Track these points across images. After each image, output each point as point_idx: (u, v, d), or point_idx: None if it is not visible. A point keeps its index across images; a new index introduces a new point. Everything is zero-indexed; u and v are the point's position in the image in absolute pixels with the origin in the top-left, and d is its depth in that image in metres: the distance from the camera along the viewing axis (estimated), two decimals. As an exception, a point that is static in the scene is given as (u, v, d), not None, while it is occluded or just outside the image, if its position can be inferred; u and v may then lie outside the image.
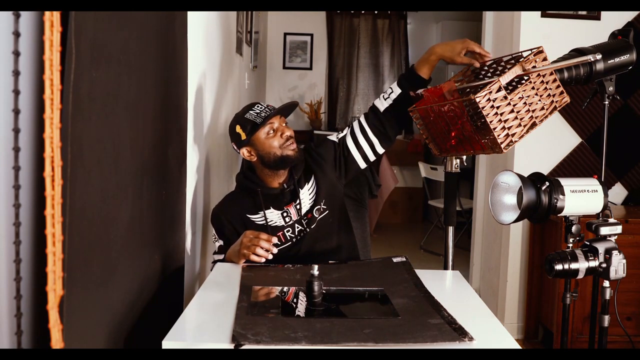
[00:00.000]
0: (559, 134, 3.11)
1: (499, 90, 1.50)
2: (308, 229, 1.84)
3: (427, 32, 6.71)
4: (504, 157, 3.21)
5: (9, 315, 0.77)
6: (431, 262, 4.65)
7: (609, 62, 1.81)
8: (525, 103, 1.56)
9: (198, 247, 2.11)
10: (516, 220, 1.53)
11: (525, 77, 1.63)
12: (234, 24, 3.10)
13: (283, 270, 1.62)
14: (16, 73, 0.74)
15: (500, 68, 1.78)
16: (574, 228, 1.60)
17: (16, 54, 0.74)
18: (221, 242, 1.87)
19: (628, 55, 1.85)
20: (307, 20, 6.39)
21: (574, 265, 1.53)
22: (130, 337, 1.26)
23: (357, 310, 1.38)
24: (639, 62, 1.89)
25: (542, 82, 1.59)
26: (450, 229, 1.85)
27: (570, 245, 1.61)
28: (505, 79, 1.55)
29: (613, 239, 1.57)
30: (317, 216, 1.85)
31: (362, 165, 1.93)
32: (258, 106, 1.84)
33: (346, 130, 1.95)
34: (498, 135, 1.53)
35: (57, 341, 0.76)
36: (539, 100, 1.59)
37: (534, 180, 1.54)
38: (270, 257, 1.65)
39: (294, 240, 1.85)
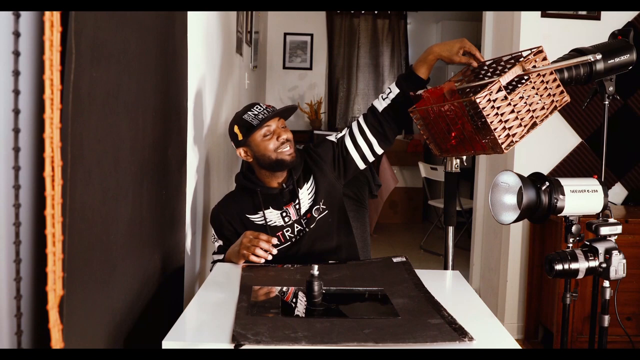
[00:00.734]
0: (559, 134, 3.11)
1: (499, 90, 1.50)
2: (307, 229, 1.84)
3: (427, 32, 6.71)
4: (504, 157, 3.21)
5: (9, 315, 0.77)
6: (431, 262, 4.66)
7: (609, 62, 1.81)
8: (525, 103, 1.56)
9: (198, 247, 2.11)
10: (516, 220, 1.53)
11: (525, 77, 1.63)
12: (234, 24, 3.10)
13: (283, 270, 1.62)
14: (16, 73, 0.74)
15: (500, 68, 1.78)
16: (574, 228, 1.60)
17: (16, 54, 0.74)
18: (220, 242, 1.88)
19: (628, 55, 1.85)
20: (307, 20, 6.39)
21: (574, 265, 1.53)
22: (130, 337, 1.26)
23: (357, 310, 1.38)
24: (639, 62, 1.89)
25: (542, 82, 1.59)
26: (450, 229, 1.85)
27: (570, 245, 1.61)
28: (505, 79, 1.55)
29: (613, 239, 1.57)
30: (316, 216, 1.85)
31: (361, 165, 1.93)
32: (257, 107, 1.84)
33: (345, 131, 1.95)
34: (499, 136, 1.53)
35: (57, 341, 0.76)
36: (540, 100, 1.59)
37: (534, 180, 1.54)
38: (270, 257, 1.65)
39: (294, 240, 1.85)
